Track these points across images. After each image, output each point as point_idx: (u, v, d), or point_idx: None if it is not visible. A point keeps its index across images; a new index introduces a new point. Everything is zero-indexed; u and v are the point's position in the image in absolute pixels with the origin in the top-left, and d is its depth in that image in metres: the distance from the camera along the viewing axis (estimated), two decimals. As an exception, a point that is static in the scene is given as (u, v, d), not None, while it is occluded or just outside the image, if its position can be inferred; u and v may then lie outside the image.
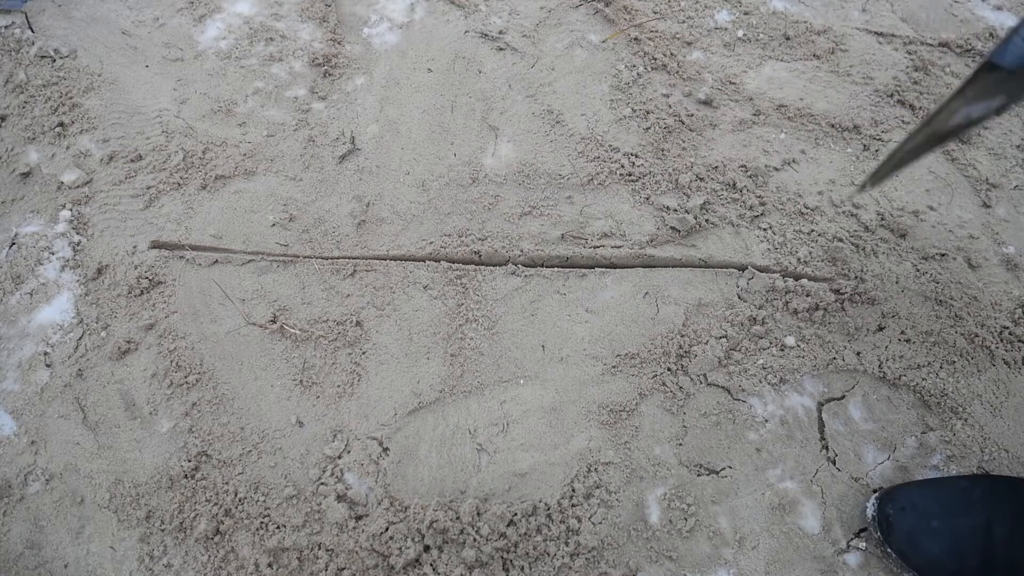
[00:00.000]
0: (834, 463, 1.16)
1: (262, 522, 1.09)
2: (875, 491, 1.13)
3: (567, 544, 1.08)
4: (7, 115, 1.40)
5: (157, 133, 1.39)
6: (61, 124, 1.38)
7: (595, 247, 1.31)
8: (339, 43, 1.54)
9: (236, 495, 1.10)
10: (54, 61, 1.46)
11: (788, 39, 1.57)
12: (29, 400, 1.16)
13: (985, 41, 1.62)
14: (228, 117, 1.42)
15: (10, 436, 1.14)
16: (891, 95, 1.52)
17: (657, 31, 1.56)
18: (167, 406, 1.16)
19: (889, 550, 1.07)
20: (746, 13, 1.60)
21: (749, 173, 1.38)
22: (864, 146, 1.45)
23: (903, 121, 1.49)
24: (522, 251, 1.30)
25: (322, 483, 1.11)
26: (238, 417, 1.16)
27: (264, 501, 1.10)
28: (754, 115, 1.46)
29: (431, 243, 1.30)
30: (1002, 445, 1.17)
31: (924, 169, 1.44)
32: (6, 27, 1.50)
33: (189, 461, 1.12)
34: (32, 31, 1.51)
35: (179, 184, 1.34)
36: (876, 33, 1.59)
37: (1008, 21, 1.67)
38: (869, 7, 1.65)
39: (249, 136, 1.40)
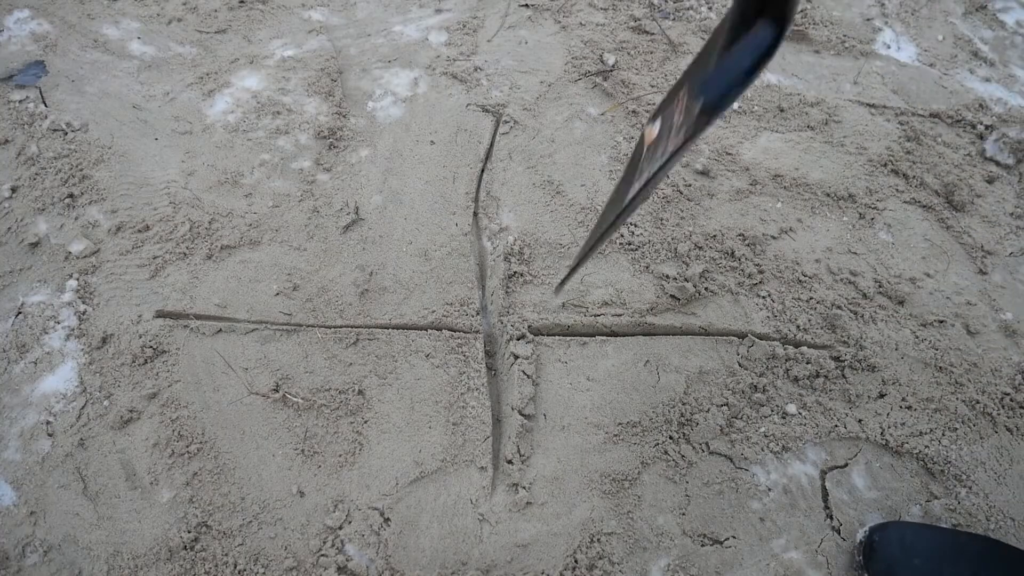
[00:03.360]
0: (838, 532, 1.15)
1: (261, 595, 1.07)
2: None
3: (570, 617, 1.06)
4: (19, 186, 1.42)
5: (164, 204, 1.41)
6: (71, 195, 1.41)
7: (596, 315, 1.32)
8: (344, 116, 1.58)
9: (236, 567, 1.09)
10: (66, 134, 1.49)
11: (782, 111, 1.61)
12: (30, 470, 1.16)
13: (975, 112, 1.65)
14: (234, 188, 1.45)
15: (9, 506, 1.13)
16: (884, 164, 1.55)
17: (654, 104, 1.60)
18: (168, 476, 1.16)
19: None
20: (741, 86, 1.64)
21: (747, 242, 1.40)
22: (860, 215, 1.47)
23: (897, 190, 1.52)
24: (523, 319, 1.31)
25: (323, 554, 1.10)
26: (239, 487, 1.16)
27: (264, 573, 1.09)
28: (751, 185, 1.49)
29: (433, 312, 1.32)
30: (1008, 513, 1.16)
31: (919, 237, 1.46)
32: (20, 101, 1.54)
33: (189, 532, 1.11)
34: (46, 105, 1.55)
35: (185, 254, 1.36)
36: (868, 104, 1.64)
37: (996, 92, 1.71)
38: (861, 79, 1.69)
39: (255, 207, 1.43)
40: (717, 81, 0.74)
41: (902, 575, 1.04)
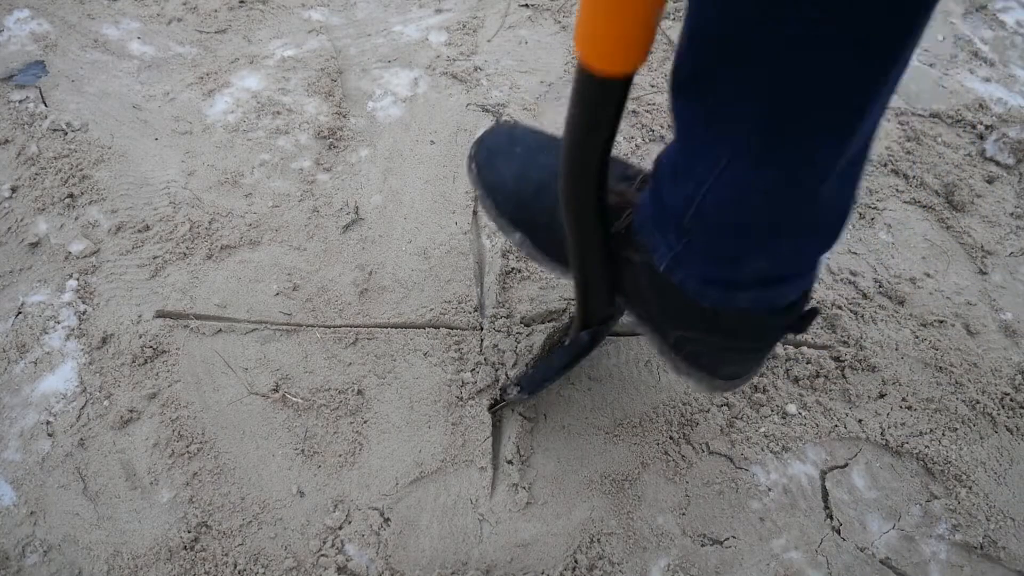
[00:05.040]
0: (838, 532, 1.15)
1: (261, 595, 1.08)
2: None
3: (570, 617, 1.06)
4: (19, 186, 1.43)
5: (164, 204, 1.41)
6: (71, 195, 1.41)
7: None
8: (344, 116, 1.58)
9: (236, 567, 1.09)
10: (66, 134, 1.49)
11: (782, 111, 1.61)
12: (30, 470, 1.16)
13: (975, 112, 1.65)
14: (234, 188, 1.45)
15: (9, 506, 1.13)
16: (884, 165, 1.55)
17: (655, 104, 1.60)
18: (168, 476, 1.16)
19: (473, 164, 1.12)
20: (741, 86, 1.64)
21: (747, 241, 1.40)
22: (860, 214, 1.47)
23: (897, 190, 1.52)
24: (522, 318, 1.31)
25: (322, 554, 1.10)
26: (239, 487, 1.16)
27: (264, 573, 1.09)
28: (751, 185, 1.49)
29: (431, 310, 1.32)
30: (1008, 513, 1.16)
31: (919, 237, 1.46)
32: (20, 101, 1.55)
33: (189, 532, 1.11)
34: (46, 105, 1.55)
35: (185, 254, 1.36)
36: (868, 105, 1.63)
37: (996, 92, 1.71)
38: (860, 80, 1.69)
39: (255, 207, 1.43)
40: (535, 376, 1.11)
41: (501, 161, 1.09)
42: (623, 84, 0.65)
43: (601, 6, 0.58)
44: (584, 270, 0.95)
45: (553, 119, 1.59)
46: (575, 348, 1.09)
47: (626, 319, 1.08)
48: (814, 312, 0.88)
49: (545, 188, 1.04)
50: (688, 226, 0.80)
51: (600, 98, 0.67)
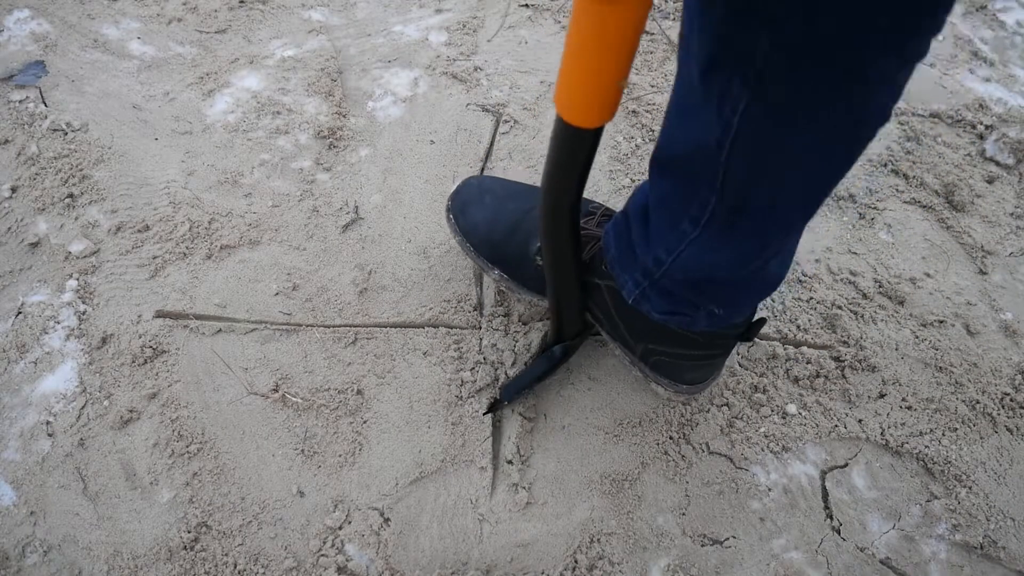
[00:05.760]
0: (839, 532, 1.15)
1: (261, 595, 1.07)
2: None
3: (570, 617, 1.06)
4: (18, 186, 1.42)
5: (164, 204, 1.41)
6: (71, 195, 1.41)
7: (596, 315, 1.32)
8: (344, 116, 1.58)
9: (236, 567, 1.09)
10: (66, 134, 1.49)
11: (782, 111, 1.61)
12: (30, 470, 1.16)
13: (975, 112, 1.65)
14: (234, 188, 1.45)
15: (9, 506, 1.13)
16: (884, 164, 1.55)
17: (654, 104, 1.60)
18: (168, 476, 1.16)
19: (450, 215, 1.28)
20: (741, 86, 1.64)
21: (747, 241, 1.40)
22: (860, 214, 1.47)
23: (897, 190, 1.52)
24: (520, 317, 1.31)
25: (322, 555, 1.10)
26: (239, 487, 1.16)
27: (264, 573, 1.09)
28: (750, 184, 1.49)
29: (430, 309, 1.32)
30: (1008, 513, 1.16)
31: (919, 237, 1.46)
32: (20, 101, 1.54)
33: (189, 532, 1.11)
34: (46, 105, 1.55)
35: (185, 254, 1.36)
36: (868, 105, 1.63)
37: (996, 92, 1.71)
38: (860, 80, 1.69)
39: (254, 207, 1.43)
40: (511, 386, 1.20)
41: (473, 209, 1.25)
42: (593, 133, 0.78)
43: (573, 82, 0.73)
44: (558, 291, 1.08)
45: (553, 118, 1.59)
46: (549, 360, 1.19)
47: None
48: (761, 322, 1.06)
49: (515, 230, 1.22)
50: (656, 278, 0.97)
51: (574, 144, 0.81)
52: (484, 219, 1.24)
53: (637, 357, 1.17)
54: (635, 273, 0.99)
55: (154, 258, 1.35)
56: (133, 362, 1.24)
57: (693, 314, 1.01)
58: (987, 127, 1.62)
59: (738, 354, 1.29)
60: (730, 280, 0.92)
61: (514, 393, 1.19)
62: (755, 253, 0.86)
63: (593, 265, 1.09)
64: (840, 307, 1.34)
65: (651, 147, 1.52)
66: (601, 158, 1.52)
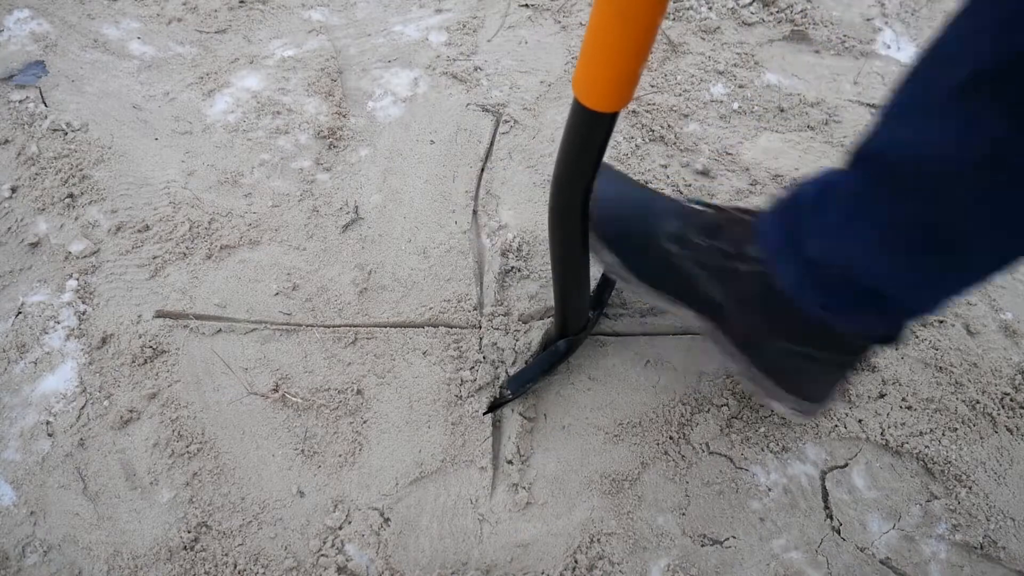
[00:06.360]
0: (839, 532, 1.15)
1: (261, 595, 1.08)
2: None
3: (570, 617, 1.06)
4: (18, 186, 1.43)
5: (164, 204, 1.41)
6: (71, 195, 1.41)
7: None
8: (344, 116, 1.58)
9: (236, 567, 1.09)
10: (66, 134, 1.49)
11: (782, 111, 1.61)
12: (30, 470, 1.16)
13: None
14: (234, 188, 1.45)
15: (9, 506, 1.13)
16: (885, 164, 1.54)
17: (655, 104, 1.60)
18: (168, 476, 1.16)
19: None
20: (741, 86, 1.64)
21: (747, 241, 1.40)
22: (860, 214, 1.47)
23: (897, 190, 1.51)
24: (520, 316, 1.31)
25: (322, 555, 1.10)
26: (239, 487, 1.16)
27: (264, 573, 1.09)
28: (751, 185, 1.49)
29: (430, 309, 1.32)
30: (1008, 513, 1.16)
31: (919, 237, 1.45)
32: (20, 101, 1.54)
33: (189, 532, 1.11)
34: (46, 105, 1.55)
35: (184, 254, 1.36)
36: (868, 104, 1.63)
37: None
38: (861, 80, 1.69)
39: (254, 207, 1.43)
40: (517, 378, 1.20)
41: (602, 182, 1.11)
42: (610, 118, 0.78)
43: (594, 65, 0.72)
44: (565, 283, 1.05)
45: (553, 118, 1.59)
46: (555, 354, 1.19)
47: (608, 325, 1.10)
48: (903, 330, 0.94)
49: (644, 208, 1.12)
50: (830, 278, 0.88)
51: (592, 128, 0.80)
52: (612, 193, 1.14)
53: (759, 364, 1.05)
54: (797, 264, 0.91)
55: (154, 258, 1.35)
56: (133, 362, 1.25)
57: (859, 314, 0.91)
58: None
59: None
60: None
61: (520, 386, 1.19)
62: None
63: (732, 252, 1.00)
64: (840, 307, 1.34)
65: (651, 147, 1.52)
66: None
